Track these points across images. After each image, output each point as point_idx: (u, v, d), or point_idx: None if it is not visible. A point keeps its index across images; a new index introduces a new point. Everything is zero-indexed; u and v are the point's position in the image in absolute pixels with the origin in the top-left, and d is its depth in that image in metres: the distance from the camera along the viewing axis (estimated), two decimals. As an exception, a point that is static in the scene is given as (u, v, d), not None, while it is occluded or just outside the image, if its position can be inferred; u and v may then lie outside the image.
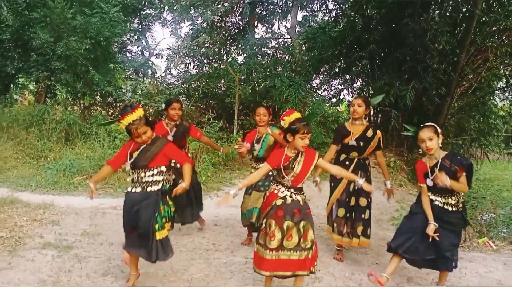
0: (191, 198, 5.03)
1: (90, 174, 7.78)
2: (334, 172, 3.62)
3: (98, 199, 6.65)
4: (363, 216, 4.52)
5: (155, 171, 3.53)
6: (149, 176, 3.52)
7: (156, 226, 3.48)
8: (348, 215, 4.55)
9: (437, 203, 3.71)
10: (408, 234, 3.77)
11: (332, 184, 4.63)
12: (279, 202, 3.36)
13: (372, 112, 12.41)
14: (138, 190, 3.51)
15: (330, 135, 10.07)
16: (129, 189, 3.58)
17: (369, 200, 4.56)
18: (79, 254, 4.33)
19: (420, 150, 9.84)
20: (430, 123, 3.69)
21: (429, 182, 3.68)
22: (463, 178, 3.61)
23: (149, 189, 3.52)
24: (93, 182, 3.58)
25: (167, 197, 3.63)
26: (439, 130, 3.63)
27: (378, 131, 4.60)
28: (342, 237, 4.56)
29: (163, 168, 3.58)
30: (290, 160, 3.35)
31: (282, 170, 3.35)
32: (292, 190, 3.38)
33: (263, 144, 4.80)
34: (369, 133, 4.52)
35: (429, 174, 3.66)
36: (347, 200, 4.54)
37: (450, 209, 3.70)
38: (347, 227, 4.55)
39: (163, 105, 5.00)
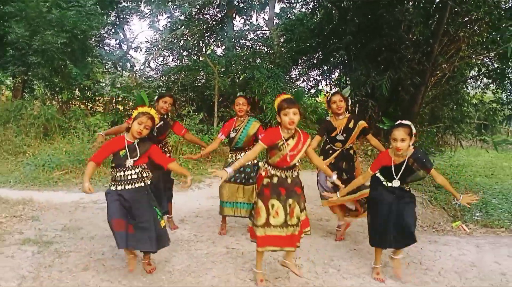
0: (161, 190, 4.96)
1: (70, 168, 7.74)
2: (316, 163, 3.80)
3: (78, 193, 6.60)
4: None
5: (140, 169, 3.70)
6: (135, 173, 3.66)
7: (158, 216, 3.74)
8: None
9: (395, 184, 3.84)
10: (381, 228, 3.87)
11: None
12: (265, 181, 3.48)
13: (350, 103, 12.62)
14: (128, 187, 3.62)
15: (309, 126, 10.19)
16: (114, 188, 3.62)
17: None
18: (60, 249, 4.31)
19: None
20: (406, 122, 3.66)
21: (396, 183, 3.79)
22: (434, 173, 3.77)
23: (137, 185, 3.67)
24: (87, 181, 3.52)
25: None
26: (413, 131, 3.65)
27: (361, 122, 4.81)
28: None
29: (145, 165, 3.76)
30: (280, 140, 3.40)
31: (269, 149, 3.43)
32: (279, 169, 3.47)
33: (243, 133, 4.90)
34: (351, 124, 4.78)
35: (393, 172, 3.75)
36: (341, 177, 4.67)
37: (406, 189, 3.88)
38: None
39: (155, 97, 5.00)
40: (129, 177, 3.63)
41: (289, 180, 3.49)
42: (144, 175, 3.73)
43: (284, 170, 3.49)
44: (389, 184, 3.83)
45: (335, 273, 4.11)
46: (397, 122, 3.71)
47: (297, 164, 3.59)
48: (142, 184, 3.70)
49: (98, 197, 6.33)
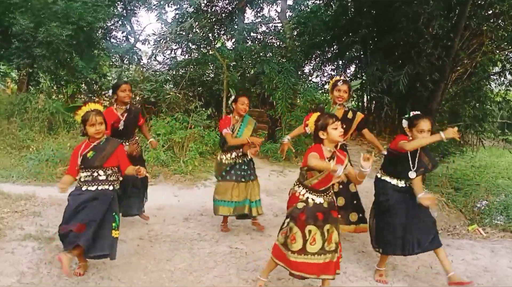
0: (139, 188, 4.89)
1: None
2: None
3: None
4: (356, 202, 4.65)
5: (110, 171, 3.63)
6: (103, 175, 3.58)
7: (114, 224, 3.55)
8: (347, 202, 4.61)
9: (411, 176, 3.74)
10: (401, 233, 3.71)
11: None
12: (300, 205, 3.26)
13: (365, 99, 12.29)
14: (93, 188, 3.54)
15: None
16: (80, 188, 3.56)
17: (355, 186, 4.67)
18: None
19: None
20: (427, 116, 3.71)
21: (412, 175, 3.68)
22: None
23: (103, 188, 3.58)
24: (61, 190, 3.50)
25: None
26: None
27: (359, 113, 4.74)
28: (350, 225, 4.63)
29: (115, 169, 3.67)
30: (326, 159, 3.22)
31: (307, 169, 3.23)
32: (314, 192, 3.28)
33: (240, 130, 4.84)
34: (350, 115, 4.65)
35: (410, 159, 3.68)
36: (343, 188, 4.58)
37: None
38: (353, 215, 4.62)
39: (110, 91, 4.95)
40: (100, 178, 3.57)
41: (325, 204, 3.28)
42: (112, 178, 3.63)
43: (321, 192, 3.27)
44: (400, 184, 3.78)
45: (341, 276, 3.92)
46: (417, 113, 3.76)
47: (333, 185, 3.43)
48: (110, 188, 3.62)
49: None
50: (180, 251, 4.32)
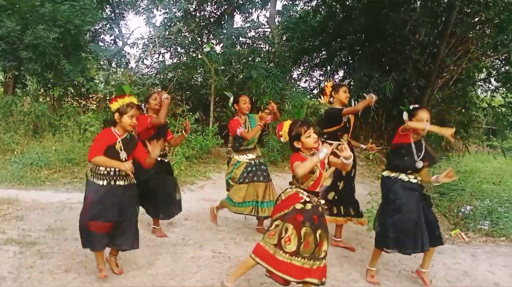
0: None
1: (58, 168, 7.60)
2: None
3: (65, 193, 6.54)
4: (351, 198, 4.82)
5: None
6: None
7: (137, 217, 3.74)
8: (337, 197, 4.75)
9: (418, 181, 3.85)
10: (413, 230, 3.70)
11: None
12: (298, 206, 3.22)
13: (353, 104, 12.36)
14: (121, 183, 3.54)
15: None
16: (103, 183, 3.50)
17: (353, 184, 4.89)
18: (42, 250, 4.27)
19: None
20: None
21: (419, 164, 3.77)
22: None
23: (131, 182, 3.62)
24: (122, 163, 3.48)
25: None
26: None
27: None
28: (336, 217, 4.76)
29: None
30: None
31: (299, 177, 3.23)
32: (311, 194, 3.27)
33: (252, 126, 4.99)
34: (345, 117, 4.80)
35: (414, 149, 3.77)
36: (337, 183, 4.73)
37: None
38: (337, 208, 4.75)
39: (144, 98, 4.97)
40: (122, 172, 3.53)
41: (320, 209, 3.29)
42: (132, 171, 3.61)
43: (315, 195, 3.29)
44: (406, 179, 3.81)
45: None
46: (416, 105, 3.91)
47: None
48: (133, 181, 3.66)
49: None
50: (163, 256, 4.31)
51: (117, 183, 3.52)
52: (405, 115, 3.86)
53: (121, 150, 3.52)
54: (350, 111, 4.74)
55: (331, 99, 4.84)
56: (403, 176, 3.82)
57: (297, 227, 3.16)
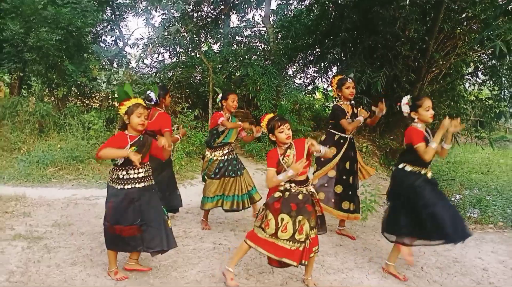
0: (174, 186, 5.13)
1: (63, 165, 7.74)
2: (324, 152, 3.61)
3: (71, 189, 6.70)
4: (352, 193, 4.91)
5: (147, 167, 3.64)
6: (145, 171, 3.59)
7: (166, 216, 3.67)
8: (346, 192, 4.85)
9: (430, 175, 3.83)
10: (453, 219, 3.63)
11: (322, 159, 4.82)
12: (276, 195, 3.44)
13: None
14: (141, 185, 3.54)
15: (303, 123, 10.21)
16: (122, 187, 3.51)
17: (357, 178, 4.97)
18: (49, 245, 4.33)
19: (391, 137, 10.08)
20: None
21: (433, 144, 3.63)
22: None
23: (149, 183, 3.61)
24: (132, 153, 3.39)
25: None
26: None
27: (360, 108, 4.94)
28: (348, 213, 4.88)
29: (148, 164, 3.69)
30: (280, 156, 3.46)
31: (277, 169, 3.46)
32: (292, 184, 3.44)
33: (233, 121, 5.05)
34: (355, 110, 4.88)
35: (430, 139, 3.71)
36: (344, 177, 4.83)
37: None
38: (348, 204, 4.85)
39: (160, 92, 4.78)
40: (140, 175, 3.53)
41: (300, 196, 3.43)
42: (150, 172, 3.65)
43: (296, 184, 3.44)
44: (423, 172, 3.76)
45: (318, 268, 4.11)
46: (411, 96, 3.91)
47: (309, 178, 3.61)
48: (151, 182, 3.63)
49: (90, 194, 6.45)
50: (165, 248, 4.47)
51: (136, 185, 3.50)
52: (406, 109, 3.83)
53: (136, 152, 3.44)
54: (344, 125, 4.74)
55: (339, 94, 4.86)
56: (422, 170, 3.76)
57: (274, 213, 3.39)
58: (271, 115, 3.61)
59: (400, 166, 3.86)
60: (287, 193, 3.42)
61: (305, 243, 3.36)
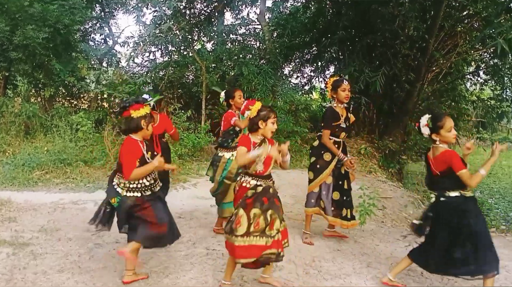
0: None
1: (50, 168, 7.61)
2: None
3: (58, 193, 6.56)
4: (349, 199, 4.80)
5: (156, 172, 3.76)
6: (153, 178, 3.71)
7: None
8: (343, 198, 4.74)
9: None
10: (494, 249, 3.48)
11: (318, 166, 4.68)
12: (250, 193, 3.39)
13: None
14: (156, 189, 3.69)
15: (300, 124, 10.05)
16: (146, 193, 3.62)
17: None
18: (35, 251, 4.28)
19: (391, 138, 9.87)
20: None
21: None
22: None
23: (156, 189, 3.72)
24: (161, 164, 3.65)
25: None
26: None
27: (350, 114, 4.86)
28: (344, 221, 4.73)
29: None
30: (256, 146, 3.40)
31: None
32: (260, 179, 3.44)
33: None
34: (349, 114, 4.79)
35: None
36: (340, 183, 4.73)
37: None
38: (346, 211, 4.73)
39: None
40: (152, 182, 3.66)
41: (271, 190, 3.44)
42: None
43: (264, 178, 3.45)
44: (467, 194, 3.47)
45: (315, 274, 4.06)
46: (429, 115, 3.55)
47: (271, 174, 3.60)
48: (158, 187, 3.75)
49: (79, 198, 6.34)
50: (156, 254, 4.31)
51: (145, 193, 3.59)
52: (426, 131, 3.51)
53: (148, 159, 3.58)
54: (328, 146, 4.61)
55: (334, 96, 4.69)
56: (465, 192, 3.47)
57: (246, 209, 3.32)
58: (261, 103, 3.56)
59: (446, 195, 3.51)
60: (260, 188, 3.40)
61: (275, 237, 3.38)
